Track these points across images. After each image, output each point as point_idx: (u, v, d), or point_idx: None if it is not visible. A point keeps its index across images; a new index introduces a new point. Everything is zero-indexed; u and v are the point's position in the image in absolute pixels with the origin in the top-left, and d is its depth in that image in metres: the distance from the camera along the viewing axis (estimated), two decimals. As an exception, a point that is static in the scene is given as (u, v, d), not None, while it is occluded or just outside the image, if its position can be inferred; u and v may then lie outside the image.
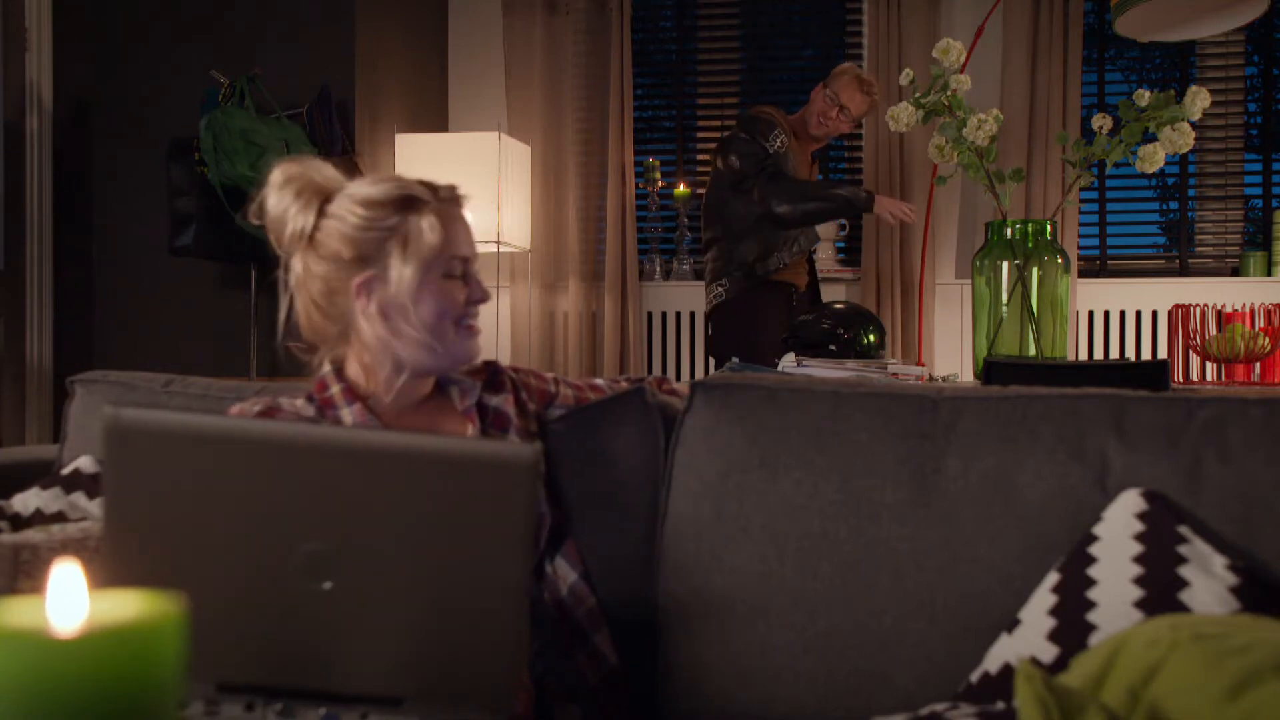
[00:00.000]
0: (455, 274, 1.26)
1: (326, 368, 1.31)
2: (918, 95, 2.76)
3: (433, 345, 1.25)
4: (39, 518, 1.53)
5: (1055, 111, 4.02)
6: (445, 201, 1.26)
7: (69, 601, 0.49)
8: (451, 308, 1.25)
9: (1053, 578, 1.09)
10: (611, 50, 4.25)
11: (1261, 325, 2.80)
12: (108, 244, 3.74)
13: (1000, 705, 0.95)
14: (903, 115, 2.74)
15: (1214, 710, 0.77)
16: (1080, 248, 4.13)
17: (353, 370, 1.30)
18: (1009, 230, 2.71)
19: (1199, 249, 4.19)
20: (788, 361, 2.30)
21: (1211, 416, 1.15)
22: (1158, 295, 4.01)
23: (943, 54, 2.69)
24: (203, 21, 3.69)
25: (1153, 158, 2.64)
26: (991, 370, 2.25)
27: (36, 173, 3.53)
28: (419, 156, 3.64)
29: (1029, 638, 1.05)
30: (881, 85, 3.69)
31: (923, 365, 2.60)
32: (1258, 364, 2.83)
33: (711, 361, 3.46)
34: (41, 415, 3.52)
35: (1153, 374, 2.15)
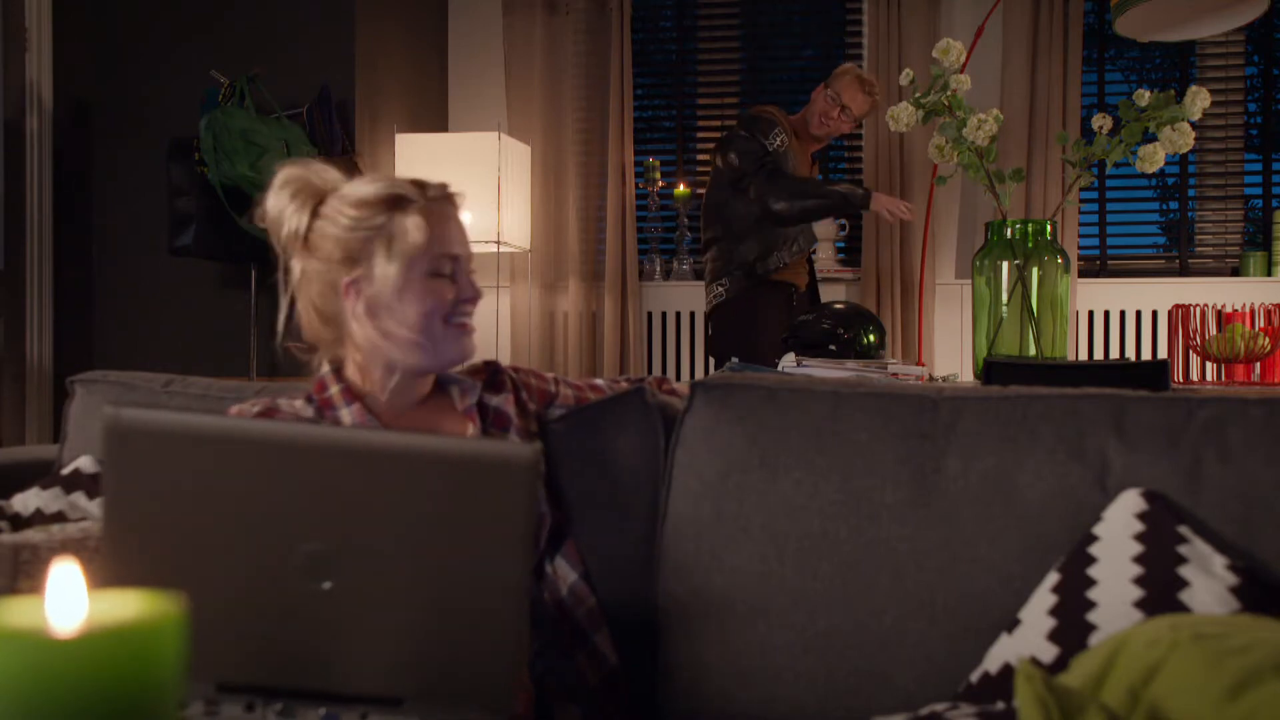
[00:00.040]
0: (444, 272, 1.25)
1: (326, 368, 1.31)
2: (918, 95, 2.75)
3: (421, 344, 1.24)
4: (39, 518, 1.53)
5: (1055, 111, 4.01)
6: (434, 200, 1.26)
7: (68, 601, 0.49)
8: (439, 306, 1.24)
9: (1053, 578, 1.09)
10: (611, 50, 4.25)
11: (1261, 325, 2.80)
12: (108, 244, 3.74)
13: (1000, 705, 0.95)
14: (903, 115, 2.74)
15: (1214, 710, 0.77)
16: (1080, 248, 4.13)
17: (351, 371, 1.30)
18: (1009, 230, 2.71)
19: (1199, 249, 4.18)
20: (788, 361, 2.30)
21: (1211, 416, 1.15)
22: (1158, 295, 4.01)
23: (943, 54, 2.69)
24: (203, 21, 3.69)
25: (1153, 158, 2.64)
26: (991, 370, 2.25)
27: (36, 173, 3.53)
28: (419, 156, 3.64)
29: (1029, 638, 1.05)
30: (882, 85, 3.69)
31: (923, 365, 2.60)
32: (1258, 364, 2.83)
33: (711, 361, 3.46)
34: (41, 415, 3.52)
35: (1153, 374, 2.15)
